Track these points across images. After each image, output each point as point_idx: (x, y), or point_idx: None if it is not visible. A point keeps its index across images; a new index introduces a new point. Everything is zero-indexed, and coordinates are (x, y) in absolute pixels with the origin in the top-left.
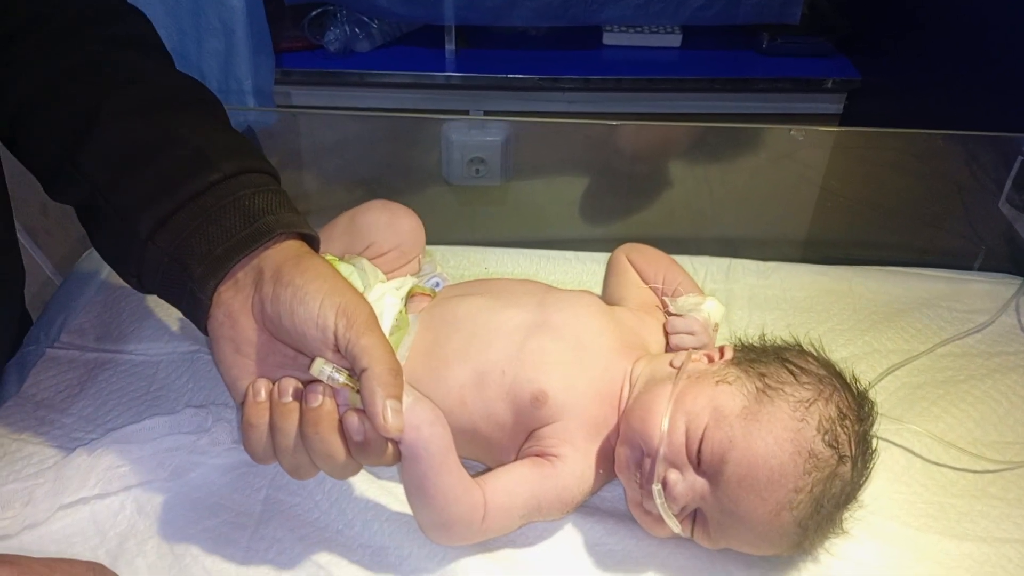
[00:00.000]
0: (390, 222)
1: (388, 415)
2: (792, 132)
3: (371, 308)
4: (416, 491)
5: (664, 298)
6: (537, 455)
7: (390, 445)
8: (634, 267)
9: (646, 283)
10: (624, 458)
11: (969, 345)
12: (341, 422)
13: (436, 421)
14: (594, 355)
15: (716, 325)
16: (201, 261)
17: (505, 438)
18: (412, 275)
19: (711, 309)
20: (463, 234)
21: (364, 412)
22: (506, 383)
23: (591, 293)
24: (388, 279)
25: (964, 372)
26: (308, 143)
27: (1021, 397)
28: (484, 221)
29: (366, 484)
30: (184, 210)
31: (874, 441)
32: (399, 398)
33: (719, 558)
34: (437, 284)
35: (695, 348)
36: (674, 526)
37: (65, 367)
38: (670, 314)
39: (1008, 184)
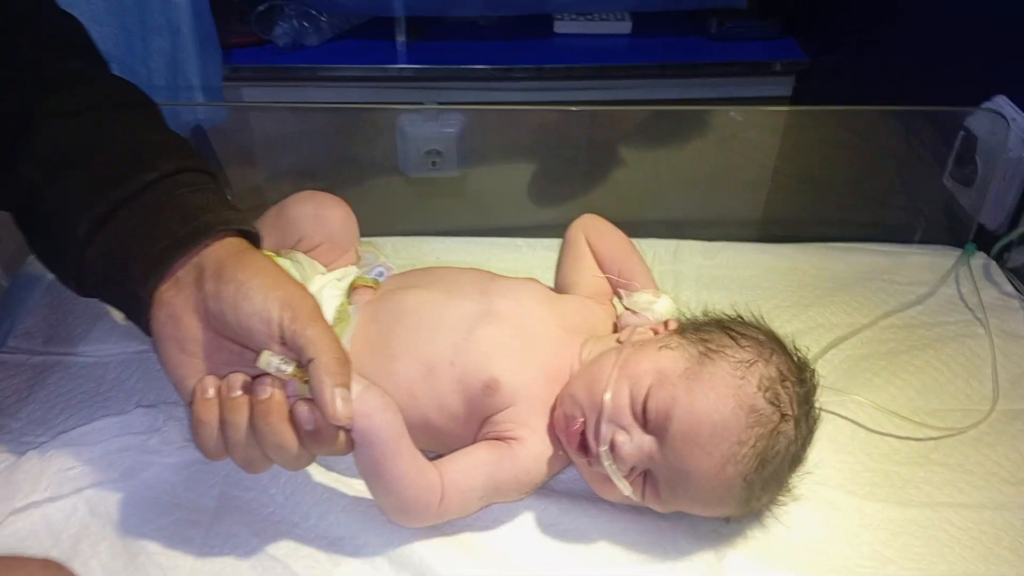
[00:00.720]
0: (317, 214)
1: (337, 403)
2: (732, 113)
3: (315, 300)
4: (372, 477)
5: (620, 291)
6: (495, 439)
7: (342, 434)
8: (592, 250)
9: (603, 271)
10: (564, 421)
11: (910, 316)
12: (291, 413)
13: (386, 407)
14: (541, 339)
15: (667, 323)
16: (140, 261)
17: (458, 428)
18: (354, 265)
19: (664, 308)
20: (420, 225)
21: (313, 402)
22: (455, 374)
23: (535, 280)
24: (328, 271)
25: (906, 343)
26: (260, 139)
27: (961, 365)
28: (440, 212)
29: (320, 476)
30: (121, 210)
31: (817, 407)
32: (347, 386)
33: (668, 531)
34: (381, 274)
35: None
36: (624, 487)
37: (13, 371)
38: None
39: (951, 158)
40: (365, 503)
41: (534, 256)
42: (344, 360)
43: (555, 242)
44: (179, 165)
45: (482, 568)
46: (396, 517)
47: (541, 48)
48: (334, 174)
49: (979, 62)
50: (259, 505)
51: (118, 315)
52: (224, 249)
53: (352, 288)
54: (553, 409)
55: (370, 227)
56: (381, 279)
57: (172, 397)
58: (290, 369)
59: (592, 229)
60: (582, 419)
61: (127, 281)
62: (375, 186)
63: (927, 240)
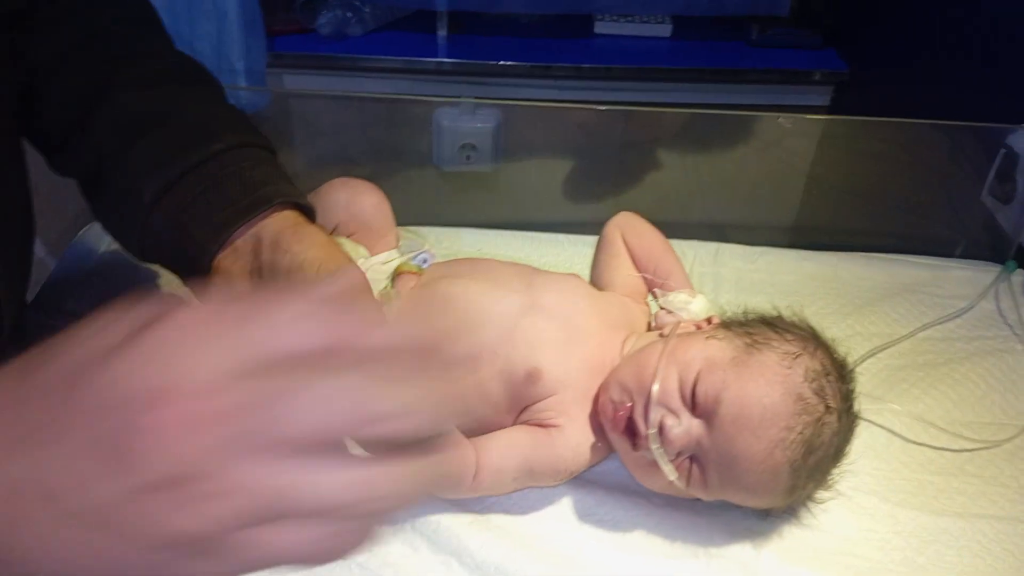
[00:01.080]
0: (350, 201)
1: None
2: (780, 120)
3: (365, 276)
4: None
5: (655, 290)
6: (536, 425)
7: None
8: (628, 248)
9: (639, 271)
10: (610, 407)
11: (949, 330)
12: None
13: None
14: (585, 333)
15: (705, 321)
16: (202, 227)
17: (497, 415)
18: (395, 250)
19: (699, 308)
20: (454, 217)
21: None
22: (498, 364)
23: (577, 276)
24: (371, 256)
25: (944, 355)
26: (300, 126)
27: (998, 379)
28: (475, 206)
29: (355, 451)
30: (187, 177)
31: (856, 407)
32: None
33: (704, 527)
34: (424, 261)
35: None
36: (669, 472)
37: None
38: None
39: (991, 175)
40: None
41: (575, 252)
42: None
43: (595, 239)
44: (243, 139)
45: (517, 552)
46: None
47: (581, 48)
48: (370, 163)
49: (1022, 80)
50: None
51: (171, 288)
52: (281, 221)
53: (396, 274)
54: (597, 397)
55: (405, 217)
56: (425, 265)
57: None
58: None
59: (628, 227)
60: (630, 404)
61: (189, 246)
62: (409, 177)
63: (968, 255)
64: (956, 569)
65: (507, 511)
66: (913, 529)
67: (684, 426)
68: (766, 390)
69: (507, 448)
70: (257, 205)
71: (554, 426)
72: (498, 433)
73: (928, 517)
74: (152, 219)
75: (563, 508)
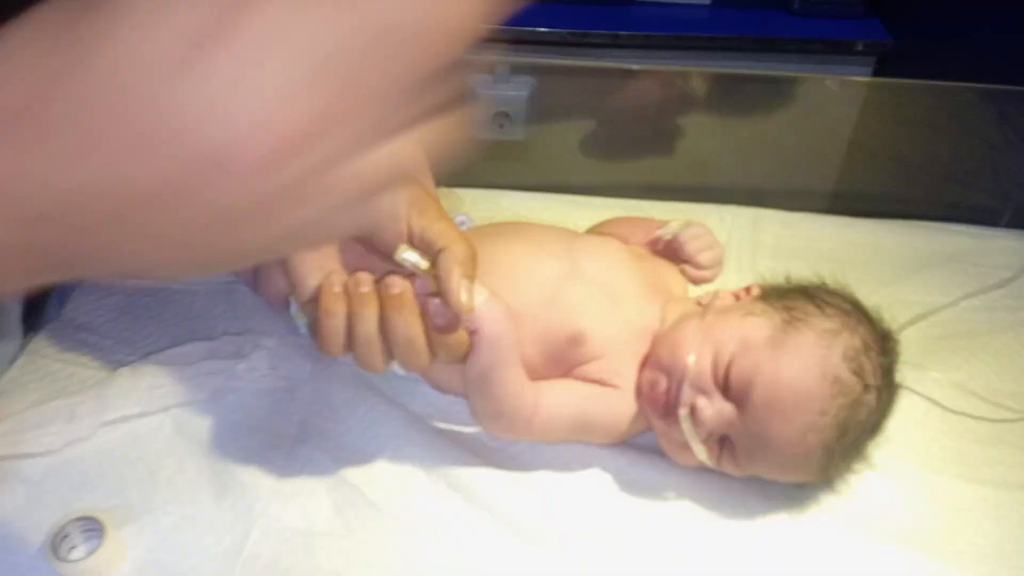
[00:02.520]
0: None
1: (462, 293)
2: (827, 82)
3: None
4: (480, 381)
5: (655, 235)
6: (595, 381)
7: (465, 333)
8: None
9: (627, 241)
10: (647, 382)
11: (992, 299)
12: (422, 307)
13: (510, 317)
14: (627, 298)
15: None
16: None
17: (532, 375)
18: None
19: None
20: (489, 181)
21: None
22: (539, 327)
23: (616, 240)
24: None
25: (986, 325)
26: None
27: None
28: (510, 169)
29: (398, 411)
30: None
31: (897, 377)
32: (473, 279)
33: (737, 489)
34: (463, 223)
35: (711, 269)
36: (699, 452)
37: (104, 292)
38: (666, 242)
39: None
40: (439, 439)
41: (610, 215)
42: (473, 255)
43: (632, 203)
44: None
45: (549, 508)
46: (487, 422)
47: (618, 15)
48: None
49: None
50: (338, 434)
51: None
52: None
53: None
54: (640, 372)
55: (440, 178)
56: (463, 228)
57: (258, 327)
58: (426, 264)
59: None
60: (666, 384)
61: None
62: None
63: (1014, 224)
64: (993, 538)
65: (541, 468)
66: (951, 497)
67: (716, 408)
68: (801, 374)
69: (566, 396)
70: None
71: (612, 386)
72: (557, 381)
73: (966, 486)
74: None
75: (596, 467)
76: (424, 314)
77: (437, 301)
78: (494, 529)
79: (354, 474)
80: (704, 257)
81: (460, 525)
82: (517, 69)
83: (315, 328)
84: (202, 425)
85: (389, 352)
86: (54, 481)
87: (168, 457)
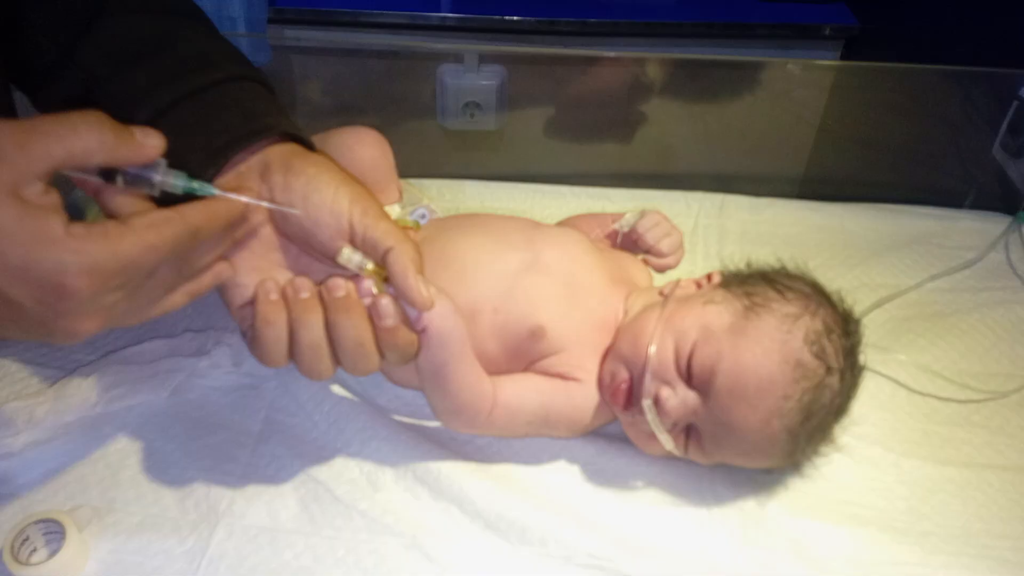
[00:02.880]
0: (350, 149)
1: (422, 288)
2: (789, 66)
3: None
4: (434, 378)
5: (610, 229)
6: (556, 375)
7: (414, 333)
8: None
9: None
10: (609, 374)
11: (957, 281)
12: (370, 309)
13: (457, 312)
14: (587, 290)
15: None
16: (198, 152)
17: (493, 370)
18: (397, 204)
19: (651, 210)
20: (457, 171)
21: (388, 298)
22: (499, 321)
23: (578, 231)
24: None
25: (952, 306)
26: (301, 81)
27: (1007, 330)
28: (478, 159)
29: (363, 405)
30: (184, 103)
31: (861, 358)
32: (423, 275)
33: (706, 476)
34: (423, 216)
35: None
36: (666, 442)
37: None
38: (623, 235)
39: (1003, 127)
40: (405, 433)
41: (578, 204)
42: (419, 252)
43: (600, 191)
44: (245, 72)
45: (518, 500)
46: (446, 419)
47: (587, 3)
48: (373, 119)
49: None
50: (303, 431)
51: None
52: (288, 149)
53: None
54: (602, 364)
55: (407, 170)
56: (423, 221)
57: (220, 323)
58: (371, 265)
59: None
60: (627, 376)
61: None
62: (412, 132)
63: (978, 206)
64: (961, 518)
65: (509, 460)
66: (918, 479)
67: (679, 398)
68: (762, 360)
69: (525, 390)
70: (259, 132)
71: (574, 379)
72: (517, 375)
73: (933, 467)
74: None
75: (564, 457)
76: (371, 315)
77: (385, 301)
78: (463, 522)
79: (320, 470)
80: (664, 244)
81: (429, 519)
82: (486, 58)
83: (254, 338)
84: (164, 423)
85: (336, 358)
86: (13, 483)
87: (130, 456)
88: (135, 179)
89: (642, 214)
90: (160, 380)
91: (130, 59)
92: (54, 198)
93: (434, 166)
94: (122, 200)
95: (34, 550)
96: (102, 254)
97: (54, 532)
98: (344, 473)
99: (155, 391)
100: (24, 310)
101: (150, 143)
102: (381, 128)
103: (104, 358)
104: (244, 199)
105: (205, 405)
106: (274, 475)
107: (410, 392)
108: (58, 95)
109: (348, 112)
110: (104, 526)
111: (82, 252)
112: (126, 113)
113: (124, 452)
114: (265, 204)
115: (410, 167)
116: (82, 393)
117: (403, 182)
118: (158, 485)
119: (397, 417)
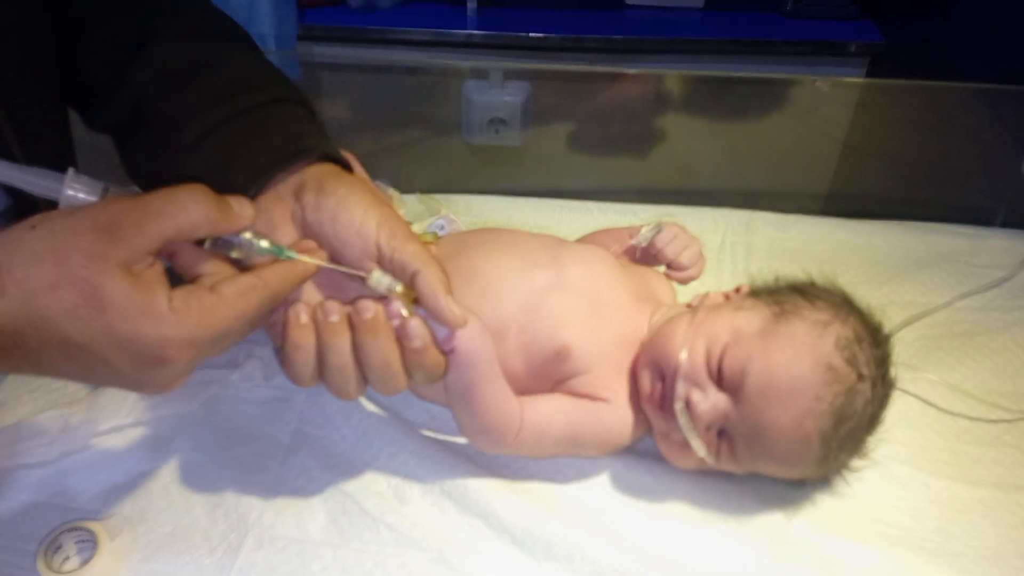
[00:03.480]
0: None
1: (454, 308)
2: (817, 83)
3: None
4: (461, 398)
5: (628, 244)
6: (584, 396)
7: (441, 354)
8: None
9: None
10: (647, 382)
11: (987, 299)
12: (398, 331)
13: (485, 332)
14: (613, 308)
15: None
16: (242, 172)
17: (519, 388)
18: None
19: (669, 222)
20: (484, 186)
21: (416, 320)
22: (524, 340)
23: (603, 248)
24: None
25: (981, 325)
26: (329, 97)
27: None
28: (504, 174)
29: (391, 419)
30: (230, 123)
31: (892, 372)
32: (452, 294)
33: (735, 493)
34: (441, 228)
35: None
36: (699, 447)
37: None
38: (642, 250)
39: None
40: (433, 447)
41: (605, 220)
42: (446, 273)
43: (627, 207)
44: (288, 94)
45: (545, 515)
46: (475, 439)
47: (612, 19)
48: (399, 134)
49: None
50: (331, 443)
51: None
52: (323, 170)
53: None
54: (634, 371)
55: (434, 185)
56: (442, 232)
57: (251, 336)
58: (400, 287)
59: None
60: (660, 380)
61: (226, 191)
62: (438, 147)
63: (1008, 224)
64: (991, 539)
65: (535, 475)
66: (947, 499)
67: (711, 400)
68: (794, 361)
69: (553, 411)
70: (299, 153)
71: (602, 399)
72: (544, 396)
73: (963, 487)
74: (189, 163)
75: (591, 472)
76: (399, 337)
77: (414, 322)
78: (489, 537)
79: (348, 483)
80: (684, 257)
81: (456, 534)
82: (511, 75)
83: (283, 360)
84: (195, 434)
85: (364, 378)
86: (48, 492)
87: (162, 467)
88: (223, 244)
89: (659, 227)
90: (192, 391)
91: (179, 81)
92: (159, 269)
93: (459, 181)
94: (205, 265)
95: (67, 558)
96: (200, 328)
97: (86, 541)
98: (372, 486)
99: (187, 402)
100: (123, 373)
101: (246, 213)
102: (407, 143)
103: None
104: (321, 263)
105: (236, 417)
106: (303, 487)
107: (438, 407)
108: (110, 117)
109: (375, 128)
110: (135, 535)
111: (183, 327)
112: (173, 131)
113: (155, 462)
114: (341, 268)
115: (435, 182)
116: (114, 404)
117: (422, 196)
118: (189, 495)
119: (425, 432)
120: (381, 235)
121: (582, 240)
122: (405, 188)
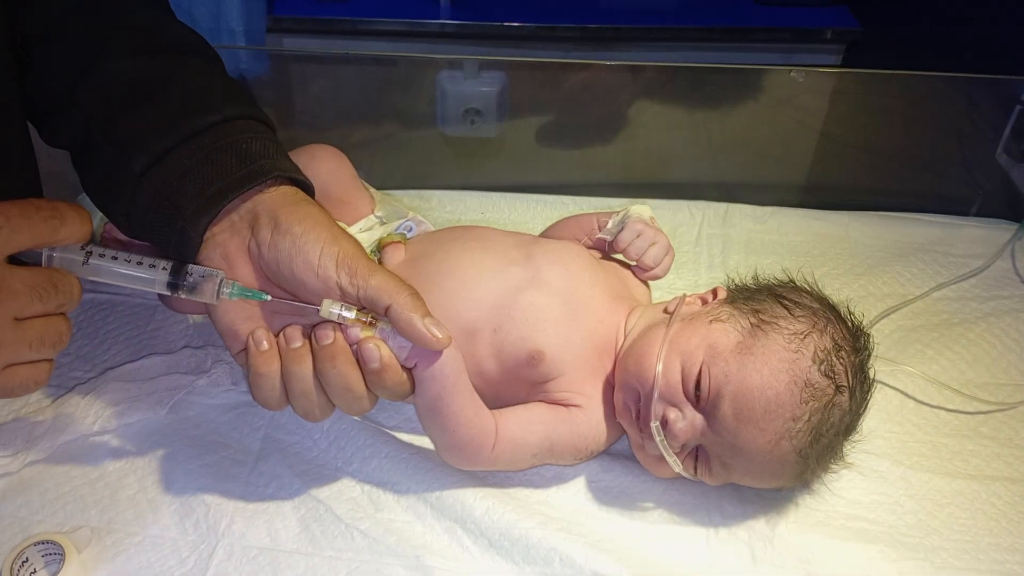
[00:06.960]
0: (305, 168)
1: (433, 330)
2: (792, 73)
3: (364, 249)
4: (430, 413)
5: (596, 236)
6: (555, 403)
7: (405, 373)
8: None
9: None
10: (622, 402)
11: (964, 289)
12: (356, 355)
13: (451, 344)
14: (587, 309)
15: (652, 218)
16: (194, 199)
17: (493, 391)
18: (373, 215)
19: (637, 210)
20: (459, 181)
21: (369, 344)
22: (497, 341)
23: (578, 244)
24: (347, 227)
25: (959, 316)
26: (300, 90)
27: (1014, 340)
28: (480, 168)
29: (364, 423)
30: (181, 148)
31: (871, 374)
32: (430, 315)
33: (713, 494)
34: (409, 229)
35: (651, 249)
36: (675, 464)
37: None
38: (609, 244)
39: (1006, 133)
40: (407, 451)
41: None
42: (417, 293)
43: (603, 201)
44: (242, 112)
45: (522, 518)
46: (449, 455)
47: (587, 8)
48: (372, 127)
49: None
50: (303, 449)
51: None
52: (279, 197)
53: (380, 246)
54: (607, 385)
55: (409, 179)
56: (410, 234)
57: (219, 340)
58: (352, 315)
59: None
60: (635, 398)
61: (178, 219)
62: (413, 140)
63: (983, 213)
64: (970, 532)
65: (512, 478)
66: (926, 492)
67: (687, 420)
68: (770, 381)
69: (528, 422)
70: (252, 177)
71: (575, 406)
72: (518, 407)
73: (942, 480)
74: (141, 191)
75: (568, 474)
76: (359, 360)
77: (369, 345)
78: (466, 542)
79: (321, 490)
80: (649, 256)
81: (432, 539)
82: (487, 65)
83: (250, 387)
84: (163, 442)
85: (329, 402)
86: (12, 504)
87: (129, 476)
88: (193, 289)
89: (624, 220)
90: (158, 398)
91: (127, 103)
92: None
93: (434, 173)
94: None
95: (33, 572)
96: None
97: (53, 554)
98: (345, 492)
99: (153, 409)
100: None
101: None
102: (381, 136)
103: (102, 375)
104: (296, 303)
105: (204, 423)
106: (274, 494)
107: (411, 408)
108: (64, 134)
109: (348, 121)
110: (103, 547)
111: None
112: (124, 157)
113: (122, 471)
114: (294, 303)
115: (411, 174)
116: (80, 412)
117: (385, 194)
118: (157, 505)
119: (399, 435)
120: (341, 277)
121: (551, 228)
122: (379, 183)
